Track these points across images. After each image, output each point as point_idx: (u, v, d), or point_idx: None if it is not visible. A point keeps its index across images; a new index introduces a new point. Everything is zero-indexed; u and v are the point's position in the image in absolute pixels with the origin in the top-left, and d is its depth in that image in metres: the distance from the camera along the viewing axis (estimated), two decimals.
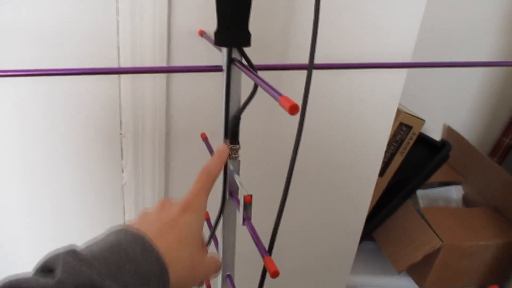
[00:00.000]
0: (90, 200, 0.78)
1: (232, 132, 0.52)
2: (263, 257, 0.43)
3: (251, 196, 0.48)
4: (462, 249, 1.17)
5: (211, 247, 0.59)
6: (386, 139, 0.89)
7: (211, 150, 0.64)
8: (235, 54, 0.50)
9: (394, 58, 0.79)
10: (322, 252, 1.03)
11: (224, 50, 0.49)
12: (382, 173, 1.17)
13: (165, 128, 0.74)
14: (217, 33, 0.48)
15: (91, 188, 0.78)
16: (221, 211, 0.55)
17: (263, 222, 0.53)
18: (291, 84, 0.74)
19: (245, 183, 0.50)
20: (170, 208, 0.43)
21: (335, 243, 1.03)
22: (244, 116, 0.52)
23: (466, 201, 1.47)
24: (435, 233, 1.17)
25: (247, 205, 0.48)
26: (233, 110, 0.51)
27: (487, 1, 1.44)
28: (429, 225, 1.20)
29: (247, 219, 0.48)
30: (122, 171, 0.77)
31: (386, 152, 1.14)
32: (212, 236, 0.58)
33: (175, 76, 0.71)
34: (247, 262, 0.74)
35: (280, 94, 0.35)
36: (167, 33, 0.66)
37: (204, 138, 0.70)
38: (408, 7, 0.76)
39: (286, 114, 0.34)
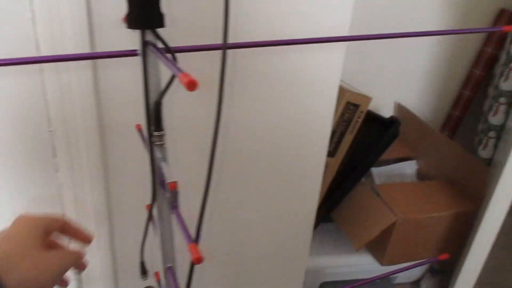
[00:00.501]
0: (25, 204, 0.75)
1: (155, 119, 0.50)
2: (188, 244, 0.41)
3: (175, 183, 0.46)
4: (416, 221, 1.19)
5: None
6: (331, 118, 0.89)
7: None
8: (150, 36, 0.47)
9: (330, 34, 0.78)
10: (278, 238, 1.03)
11: (138, 33, 0.47)
12: (333, 153, 1.17)
13: (98, 122, 0.71)
14: (127, 16, 0.46)
15: (25, 191, 0.74)
16: (153, 202, 0.53)
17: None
18: (244, 67, 0.73)
19: (177, 170, 0.48)
20: None
21: (290, 228, 1.03)
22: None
23: (420, 176, 1.50)
24: (389, 208, 1.18)
25: (173, 192, 0.46)
26: (154, 96, 0.49)
27: None
28: (384, 201, 1.21)
29: (174, 207, 0.47)
30: (56, 170, 0.73)
31: (336, 132, 1.14)
32: (147, 228, 0.56)
33: (102, 67, 0.68)
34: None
35: (180, 71, 0.33)
36: (87, 22, 0.63)
37: (140, 130, 0.67)
38: None
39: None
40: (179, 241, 0.49)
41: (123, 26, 0.67)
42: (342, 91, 1.09)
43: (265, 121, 0.85)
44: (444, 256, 0.93)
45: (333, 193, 1.27)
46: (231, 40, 0.67)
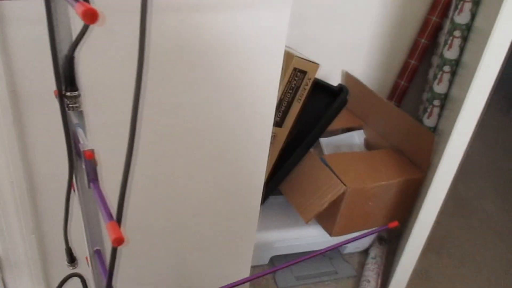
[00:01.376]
0: None
1: (65, 76, 0.42)
2: (106, 223, 0.34)
3: (92, 151, 0.38)
4: (365, 191, 1.18)
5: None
6: (277, 85, 0.83)
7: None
8: None
9: None
10: (225, 213, 0.97)
11: None
12: (281, 123, 1.12)
13: (7, 88, 0.61)
14: None
15: None
16: (70, 178, 0.45)
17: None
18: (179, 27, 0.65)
19: (103, 139, 0.41)
20: None
21: (237, 202, 0.97)
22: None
23: (369, 145, 1.49)
24: (338, 178, 1.15)
25: (89, 163, 0.39)
26: (64, 49, 0.41)
27: None
28: (332, 171, 1.18)
29: (91, 180, 0.39)
30: None
31: (283, 100, 1.09)
32: (67, 207, 0.48)
33: (11, 20, 0.58)
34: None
35: (77, 1, 0.26)
36: None
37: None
38: None
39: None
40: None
41: None
42: (289, 56, 1.03)
43: (205, 89, 0.78)
44: (394, 224, 0.91)
45: (281, 165, 1.23)
46: None
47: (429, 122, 1.61)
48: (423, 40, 1.62)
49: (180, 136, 0.80)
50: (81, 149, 0.39)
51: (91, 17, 0.24)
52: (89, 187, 0.39)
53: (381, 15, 1.59)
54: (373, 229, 0.97)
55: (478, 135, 2.41)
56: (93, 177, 0.39)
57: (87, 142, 0.39)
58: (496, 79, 0.99)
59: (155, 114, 0.75)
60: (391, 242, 1.47)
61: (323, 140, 1.43)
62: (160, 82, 0.72)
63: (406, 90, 1.70)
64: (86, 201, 0.46)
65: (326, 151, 1.40)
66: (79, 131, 0.42)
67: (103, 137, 0.70)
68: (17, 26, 0.58)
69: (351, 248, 1.45)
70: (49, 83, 0.61)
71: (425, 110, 1.64)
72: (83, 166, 0.39)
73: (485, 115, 2.72)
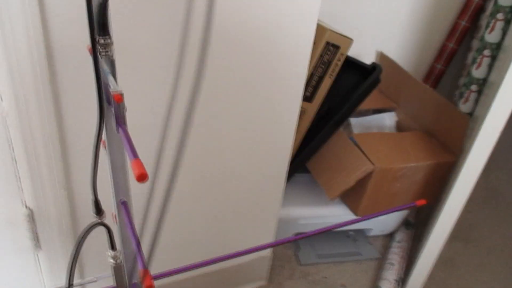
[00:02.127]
0: None
1: (99, 22, 0.42)
2: (131, 160, 0.35)
3: (121, 94, 0.39)
4: (393, 171, 1.16)
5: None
6: (307, 58, 0.82)
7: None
8: None
9: None
10: (249, 187, 0.97)
11: None
12: (310, 98, 1.11)
13: (45, 44, 0.62)
14: None
15: None
16: (100, 126, 0.46)
17: None
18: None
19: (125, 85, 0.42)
20: None
21: (262, 177, 0.97)
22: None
23: (400, 127, 1.46)
24: (367, 157, 1.14)
25: (118, 106, 0.39)
26: None
27: None
28: (361, 150, 1.17)
29: (119, 124, 0.40)
30: (1, 99, 0.65)
31: (313, 75, 1.08)
32: (96, 155, 0.49)
33: None
34: None
35: None
36: None
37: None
38: None
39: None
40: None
41: None
42: (321, 30, 1.02)
43: (237, 61, 0.78)
44: (422, 202, 0.90)
45: (309, 142, 1.22)
46: None
47: (465, 107, 1.57)
48: (463, 22, 1.57)
49: (211, 108, 0.81)
50: (111, 93, 0.39)
51: None
52: (117, 131, 0.40)
53: None
54: (399, 206, 0.96)
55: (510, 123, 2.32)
56: (121, 121, 0.40)
57: (117, 87, 0.40)
58: None
59: (192, 83, 0.75)
60: (418, 227, 1.45)
61: (353, 120, 1.41)
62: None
63: (442, 74, 1.66)
64: (114, 147, 0.47)
65: (356, 131, 1.38)
66: (110, 78, 0.43)
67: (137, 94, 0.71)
68: None
69: (376, 231, 1.44)
70: (81, 36, 0.63)
71: (461, 95, 1.59)
72: (112, 111, 0.40)
73: None
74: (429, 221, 1.34)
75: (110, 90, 0.41)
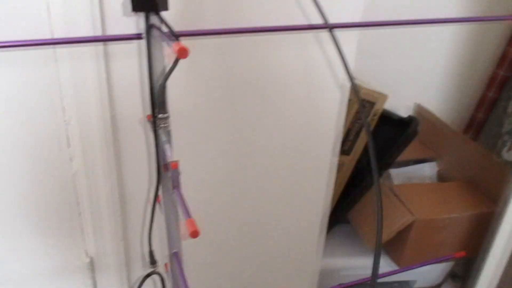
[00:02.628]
0: (41, 191, 0.77)
1: (159, 101, 0.51)
2: (186, 219, 0.41)
3: (177, 162, 0.46)
4: (435, 222, 1.17)
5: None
6: (342, 116, 0.88)
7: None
8: (154, 20, 0.49)
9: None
10: (288, 239, 1.02)
11: (142, 16, 0.48)
12: (348, 151, 1.16)
13: (110, 112, 0.72)
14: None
15: (40, 181, 0.76)
16: (158, 186, 0.54)
17: None
18: (232, 52, 0.73)
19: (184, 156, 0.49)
20: None
21: (299, 229, 1.01)
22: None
23: (441, 178, 1.47)
24: (407, 208, 1.16)
25: (174, 172, 0.47)
26: (158, 79, 0.50)
27: None
28: (401, 201, 1.19)
29: (175, 187, 0.47)
30: (71, 159, 0.75)
31: (351, 130, 1.14)
32: (153, 212, 0.57)
33: (114, 56, 0.69)
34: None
35: (173, 41, 0.34)
36: (99, 10, 0.65)
37: (150, 119, 0.69)
38: None
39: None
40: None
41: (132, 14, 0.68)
42: (358, 88, 1.08)
43: (274, 120, 0.85)
44: (461, 254, 0.91)
45: (349, 193, 1.25)
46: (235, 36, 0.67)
47: (508, 156, 1.56)
48: (501, 73, 1.59)
49: (249, 163, 0.88)
50: (168, 160, 0.47)
51: (183, 53, 0.32)
52: (173, 193, 0.47)
53: (456, 44, 1.58)
54: (438, 258, 0.97)
55: None
56: (176, 184, 0.47)
57: (172, 154, 0.48)
58: None
59: (230, 140, 0.83)
60: (465, 279, 1.42)
61: (393, 171, 1.43)
62: (242, 105, 0.80)
63: (483, 123, 1.66)
64: (167, 205, 0.54)
65: (396, 182, 1.40)
66: (167, 147, 0.51)
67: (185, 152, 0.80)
68: (118, 60, 0.70)
69: (421, 282, 1.42)
70: (139, 108, 0.72)
71: (504, 144, 1.58)
72: (169, 175, 0.47)
73: None
74: (475, 272, 1.32)
75: (167, 158, 0.48)
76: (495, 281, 1.12)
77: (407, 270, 0.92)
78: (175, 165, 0.46)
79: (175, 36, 0.48)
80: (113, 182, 0.78)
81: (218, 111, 0.80)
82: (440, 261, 1.15)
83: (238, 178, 0.89)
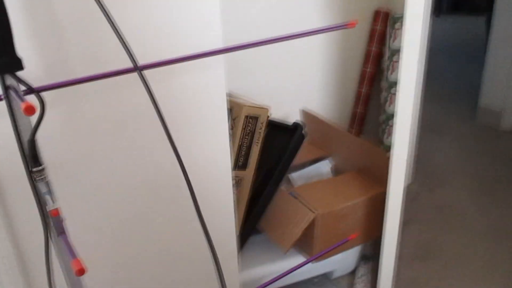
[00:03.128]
0: None
1: (31, 156, 0.53)
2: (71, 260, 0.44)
3: (57, 210, 0.49)
4: (335, 213, 1.27)
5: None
6: (226, 133, 0.95)
7: None
8: (12, 81, 0.51)
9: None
10: (204, 260, 1.05)
11: None
12: (244, 166, 1.23)
13: None
14: None
15: None
16: (46, 236, 0.55)
17: None
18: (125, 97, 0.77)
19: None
20: None
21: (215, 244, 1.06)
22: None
23: (337, 172, 1.60)
24: (307, 207, 1.25)
25: (56, 219, 0.49)
26: (26, 135, 0.52)
27: None
28: (301, 201, 1.28)
29: (60, 233, 0.49)
30: None
31: (242, 146, 1.21)
32: (48, 266, 0.58)
33: None
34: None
35: (22, 100, 0.37)
36: None
37: None
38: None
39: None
40: None
41: None
42: (239, 106, 1.16)
43: (164, 152, 0.89)
44: (353, 236, 1.01)
45: (255, 204, 1.32)
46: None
47: (388, 141, 1.74)
48: (368, 69, 1.78)
49: (153, 194, 0.91)
50: (48, 209, 0.49)
51: (30, 111, 0.35)
52: (58, 238, 0.49)
53: (326, 52, 1.75)
54: (337, 243, 1.06)
55: (449, 143, 2.53)
56: (61, 230, 0.49)
57: (53, 204, 0.50)
58: (417, 94, 1.11)
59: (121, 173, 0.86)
60: (374, 259, 1.55)
61: (294, 174, 1.54)
62: (128, 142, 0.83)
63: (364, 116, 1.84)
64: (60, 254, 0.56)
65: (298, 184, 1.50)
66: (47, 197, 0.53)
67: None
68: None
69: (339, 271, 1.52)
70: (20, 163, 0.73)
71: (383, 131, 1.77)
72: (52, 223, 0.49)
73: (454, 123, 2.84)
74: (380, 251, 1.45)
75: (49, 207, 0.51)
76: (393, 253, 1.25)
77: (311, 261, 1.00)
78: (56, 213, 0.48)
79: (34, 92, 0.51)
80: (3, 237, 0.77)
81: (101, 152, 0.82)
82: (338, 246, 1.24)
83: (140, 218, 0.91)
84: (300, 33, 0.88)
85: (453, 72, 3.59)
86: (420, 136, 2.11)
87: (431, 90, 2.96)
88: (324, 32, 1.51)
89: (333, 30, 1.60)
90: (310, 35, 0.91)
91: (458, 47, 4.28)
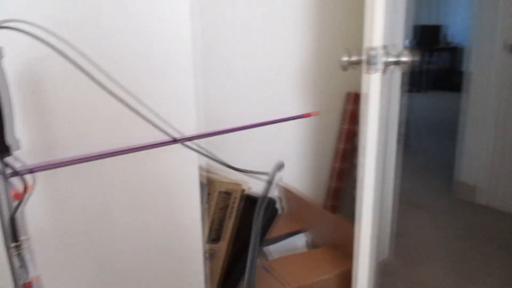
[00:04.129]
0: None
1: (11, 232, 0.59)
2: None
3: (30, 283, 0.54)
4: (307, 287, 1.31)
5: None
6: (198, 210, 1.02)
7: None
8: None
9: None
10: None
11: None
12: (217, 239, 1.29)
13: None
14: None
15: None
16: None
17: None
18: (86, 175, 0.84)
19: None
20: None
21: None
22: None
23: (313, 245, 1.65)
24: (279, 281, 1.29)
25: None
26: (8, 213, 0.59)
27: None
28: (273, 275, 1.32)
29: None
30: None
31: (214, 220, 1.27)
32: None
33: None
34: None
35: (10, 188, 0.45)
36: None
37: None
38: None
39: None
40: None
41: None
42: (214, 182, 1.24)
43: (137, 232, 0.95)
44: None
45: (229, 277, 1.36)
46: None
47: None
48: (341, 146, 1.89)
49: (119, 275, 0.95)
50: (21, 282, 0.55)
51: (19, 197, 0.42)
52: None
53: (303, 129, 1.86)
54: None
55: (427, 217, 2.59)
56: None
57: (27, 278, 0.55)
58: (397, 169, 1.19)
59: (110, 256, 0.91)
60: None
61: (270, 247, 1.58)
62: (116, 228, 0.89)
63: (339, 190, 1.92)
64: None
65: (274, 257, 1.54)
66: (29, 267, 0.59)
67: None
68: None
69: None
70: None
71: None
72: None
73: (432, 197, 2.91)
74: None
75: (24, 280, 0.56)
76: None
77: None
78: (29, 285, 0.54)
79: (19, 174, 0.59)
80: None
81: (85, 225, 0.88)
82: None
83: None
84: (272, 120, 0.98)
85: (432, 146, 3.74)
86: (398, 211, 2.17)
87: (410, 165, 3.08)
88: (290, 120, 1.64)
89: (297, 118, 1.73)
90: (279, 122, 1.02)
91: (437, 121, 4.49)
